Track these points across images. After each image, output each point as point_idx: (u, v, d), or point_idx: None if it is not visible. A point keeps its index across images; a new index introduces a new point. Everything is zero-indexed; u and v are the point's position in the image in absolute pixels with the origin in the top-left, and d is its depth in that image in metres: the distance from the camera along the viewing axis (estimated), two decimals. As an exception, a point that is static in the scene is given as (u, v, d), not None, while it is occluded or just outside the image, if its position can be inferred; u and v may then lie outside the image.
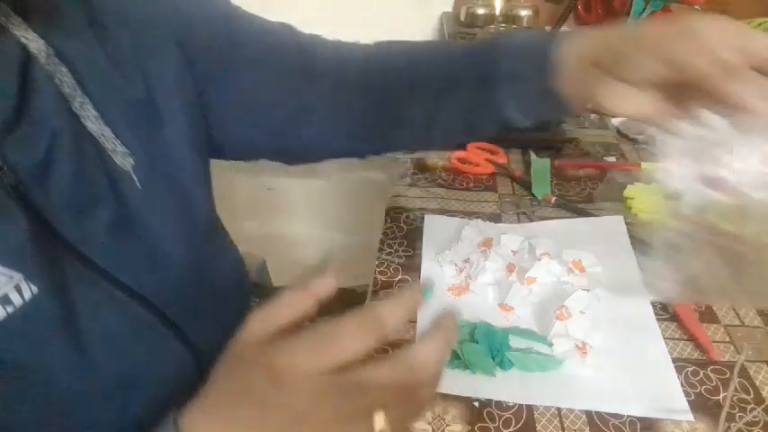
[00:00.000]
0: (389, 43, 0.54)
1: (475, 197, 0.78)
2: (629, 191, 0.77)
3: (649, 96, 0.37)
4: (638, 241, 0.68)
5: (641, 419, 0.48)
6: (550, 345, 0.54)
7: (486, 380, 0.51)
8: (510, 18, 0.98)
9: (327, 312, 0.34)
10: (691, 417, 0.48)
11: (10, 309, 0.34)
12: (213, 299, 0.50)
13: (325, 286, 0.32)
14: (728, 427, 0.47)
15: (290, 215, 1.44)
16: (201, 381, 0.33)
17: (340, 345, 0.29)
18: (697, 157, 0.35)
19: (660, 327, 0.57)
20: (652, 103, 0.37)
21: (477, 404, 0.50)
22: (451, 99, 0.49)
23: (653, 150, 0.37)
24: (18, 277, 0.34)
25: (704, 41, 0.34)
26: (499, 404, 0.50)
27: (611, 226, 0.71)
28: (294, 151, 0.58)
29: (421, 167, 0.84)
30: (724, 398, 0.49)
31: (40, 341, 0.36)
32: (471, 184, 0.80)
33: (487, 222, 0.71)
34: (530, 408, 0.49)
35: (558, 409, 0.49)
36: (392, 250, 0.67)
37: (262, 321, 0.32)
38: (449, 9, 1.12)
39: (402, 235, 0.70)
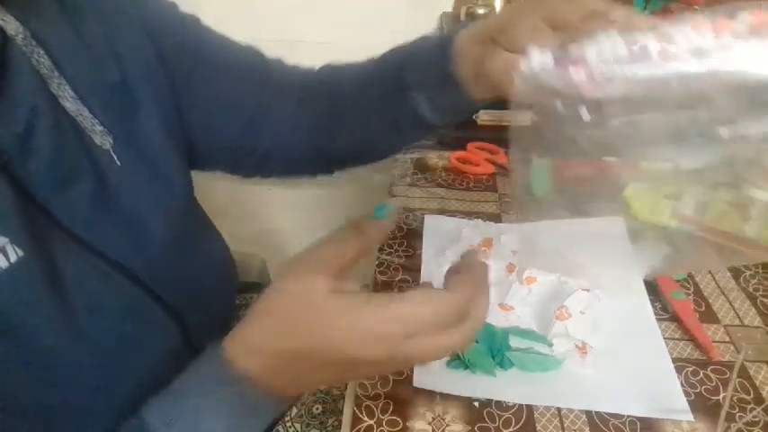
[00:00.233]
0: (337, 65, 0.58)
1: (475, 197, 0.78)
2: (629, 191, 0.77)
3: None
4: (638, 241, 0.68)
5: (641, 419, 0.48)
6: (550, 345, 0.54)
7: (486, 380, 0.51)
8: (510, 18, 0.98)
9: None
10: (691, 417, 0.48)
11: None
12: (199, 276, 0.52)
13: (381, 228, 0.34)
14: (728, 427, 0.47)
15: (290, 215, 1.44)
16: (190, 354, 0.36)
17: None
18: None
19: (660, 327, 0.57)
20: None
21: (477, 404, 0.50)
22: (378, 110, 0.52)
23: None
24: (3, 241, 0.35)
25: None
26: (499, 404, 0.50)
27: (610, 226, 0.71)
28: (253, 155, 0.59)
29: (421, 167, 0.84)
30: (724, 398, 0.49)
31: (27, 303, 0.36)
32: (471, 184, 0.80)
33: (487, 222, 0.71)
34: (530, 408, 0.49)
35: (558, 409, 0.49)
36: (392, 250, 0.67)
37: (314, 261, 0.34)
38: (449, 9, 1.12)
39: (402, 235, 0.70)
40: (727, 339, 0.56)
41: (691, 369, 0.53)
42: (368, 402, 0.49)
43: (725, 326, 0.58)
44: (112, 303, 0.42)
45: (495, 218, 0.73)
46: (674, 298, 0.59)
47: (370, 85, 0.53)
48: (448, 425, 0.48)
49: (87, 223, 0.41)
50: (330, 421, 0.58)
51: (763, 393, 0.51)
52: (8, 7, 0.40)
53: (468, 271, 0.36)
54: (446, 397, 0.50)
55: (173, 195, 0.50)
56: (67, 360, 0.39)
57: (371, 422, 0.48)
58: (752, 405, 0.50)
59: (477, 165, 0.83)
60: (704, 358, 0.54)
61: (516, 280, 0.60)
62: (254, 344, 0.35)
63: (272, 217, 1.44)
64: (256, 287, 0.80)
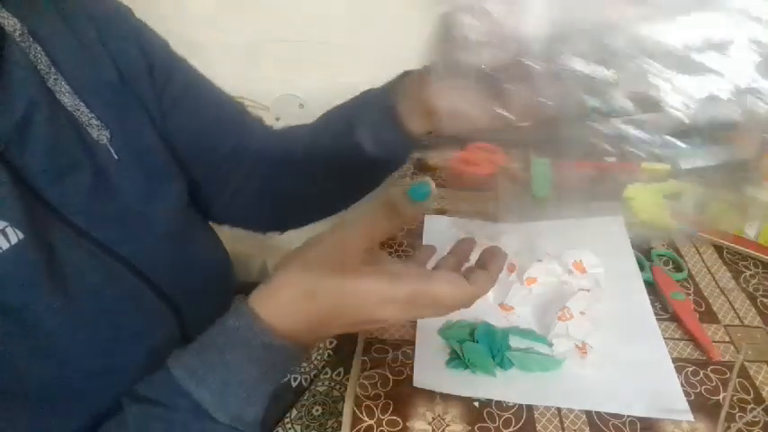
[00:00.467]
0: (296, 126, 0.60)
1: (475, 197, 0.77)
2: (629, 191, 0.77)
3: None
4: (638, 241, 0.68)
5: (641, 419, 0.48)
6: (550, 345, 0.54)
7: (486, 380, 0.51)
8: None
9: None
10: (691, 417, 0.48)
11: None
12: (195, 270, 0.53)
13: (417, 212, 0.36)
14: (728, 427, 0.47)
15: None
16: (185, 342, 0.37)
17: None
18: None
19: (660, 327, 0.57)
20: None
21: (477, 404, 0.50)
22: (327, 157, 0.54)
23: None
24: (3, 224, 0.36)
25: None
26: (499, 404, 0.50)
27: (611, 226, 0.71)
28: (222, 199, 0.60)
29: (421, 167, 0.84)
30: (724, 398, 0.49)
31: (27, 285, 0.37)
32: (471, 185, 0.80)
33: (487, 222, 0.71)
34: (530, 408, 0.49)
35: (558, 409, 0.49)
36: (392, 250, 0.67)
37: (341, 237, 0.36)
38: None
39: (402, 235, 0.70)
40: (727, 339, 0.56)
41: (691, 369, 0.53)
42: (368, 402, 0.49)
43: (725, 326, 0.58)
44: (110, 291, 0.43)
45: (495, 218, 0.73)
46: (674, 298, 0.59)
47: (323, 132, 0.55)
48: (448, 425, 0.48)
49: (85, 212, 0.42)
50: (330, 423, 0.58)
51: (763, 393, 0.51)
52: (6, 6, 0.41)
53: (492, 263, 0.40)
54: (446, 397, 0.50)
55: (169, 190, 0.51)
56: (66, 344, 0.39)
57: (371, 422, 0.48)
58: (752, 405, 0.50)
59: (477, 165, 0.83)
60: (704, 358, 0.54)
61: (516, 280, 0.60)
62: (285, 305, 0.36)
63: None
64: (256, 287, 0.80)
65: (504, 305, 0.59)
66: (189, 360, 0.36)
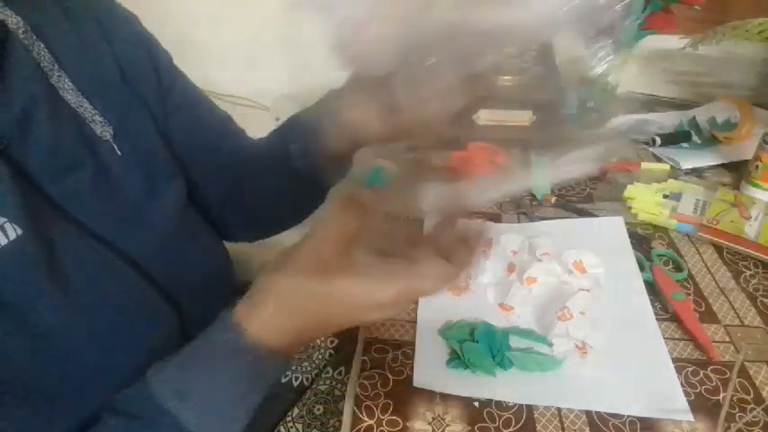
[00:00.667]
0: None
1: (475, 197, 0.77)
2: (629, 191, 0.77)
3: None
4: (638, 241, 0.68)
5: (641, 419, 0.48)
6: (550, 345, 0.54)
7: (486, 380, 0.51)
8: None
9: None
10: (691, 417, 0.48)
11: None
12: (195, 268, 0.53)
13: (379, 197, 0.37)
14: (728, 427, 0.47)
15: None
16: (185, 340, 0.37)
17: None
18: None
19: (660, 327, 0.57)
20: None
21: (477, 404, 0.50)
22: (268, 171, 0.56)
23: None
24: (2, 220, 0.36)
25: None
26: (499, 404, 0.50)
27: (610, 226, 0.71)
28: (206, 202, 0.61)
29: (420, 167, 0.84)
30: (724, 398, 0.49)
31: (26, 281, 0.37)
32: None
33: (487, 222, 0.71)
34: (530, 408, 0.49)
35: (558, 409, 0.49)
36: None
37: (325, 239, 0.36)
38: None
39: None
40: (727, 339, 0.56)
41: (691, 369, 0.53)
42: (368, 402, 0.50)
43: (725, 326, 0.58)
44: (110, 287, 0.43)
45: (495, 218, 0.73)
46: (674, 298, 0.59)
47: (267, 147, 0.57)
48: (448, 425, 0.48)
49: (87, 209, 0.43)
50: (331, 422, 0.59)
51: (763, 393, 0.51)
52: (10, 3, 0.41)
53: (467, 242, 0.40)
54: (446, 397, 0.50)
55: (169, 189, 0.51)
56: (66, 340, 0.39)
57: (371, 422, 0.48)
58: (752, 405, 0.50)
59: (477, 165, 0.83)
60: (704, 358, 0.54)
61: (516, 280, 0.60)
62: (271, 318, 0.36)
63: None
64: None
65: (504, 305, 0.59)
66: (171, 375, 0.36)
